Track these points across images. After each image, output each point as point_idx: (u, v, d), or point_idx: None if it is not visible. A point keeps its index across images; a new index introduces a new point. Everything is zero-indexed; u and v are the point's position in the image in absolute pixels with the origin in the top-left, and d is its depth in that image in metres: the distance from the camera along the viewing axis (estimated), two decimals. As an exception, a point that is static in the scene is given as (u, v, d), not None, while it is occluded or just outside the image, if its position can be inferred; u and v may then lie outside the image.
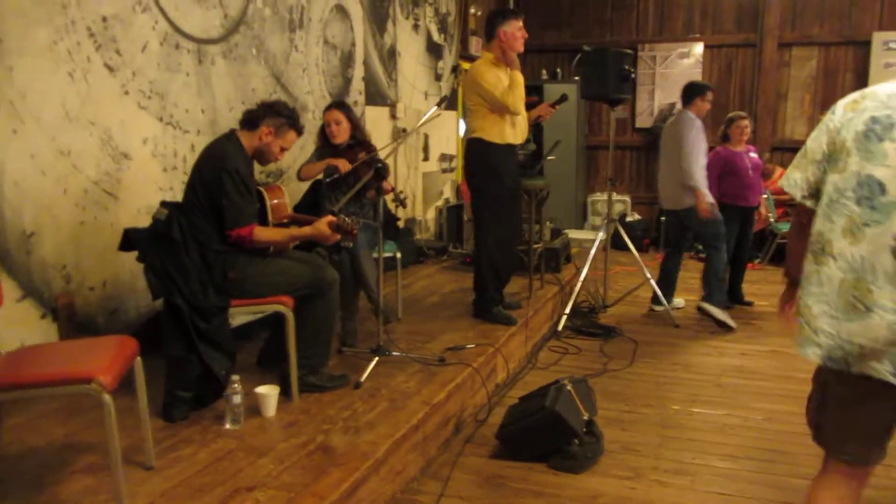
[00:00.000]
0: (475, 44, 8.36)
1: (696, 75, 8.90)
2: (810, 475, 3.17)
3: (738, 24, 8.91)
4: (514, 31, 4.41)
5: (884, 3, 8.42)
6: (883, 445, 1.96)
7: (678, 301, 5.98)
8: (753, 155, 5.87)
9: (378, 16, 6.41)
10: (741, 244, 5.90)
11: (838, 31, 8.57)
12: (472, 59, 7.66)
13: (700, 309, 5.55)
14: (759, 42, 8.75)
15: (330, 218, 3.25)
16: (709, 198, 5.29)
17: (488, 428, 3.61)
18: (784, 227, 7.39)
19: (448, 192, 8.11)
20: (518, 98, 4.39)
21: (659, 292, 5.70)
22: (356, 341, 4.09)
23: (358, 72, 6.10)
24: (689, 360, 4.80)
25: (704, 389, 4.30)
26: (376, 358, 3.73)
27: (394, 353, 3.88)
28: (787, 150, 8.52)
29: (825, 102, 8.61)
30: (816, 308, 1.91)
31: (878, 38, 8.35)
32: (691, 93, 5.53)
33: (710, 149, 5.56)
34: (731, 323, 5.42)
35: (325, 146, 4.33)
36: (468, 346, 4.11)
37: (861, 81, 8.50)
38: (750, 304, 6.08)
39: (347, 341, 4.08)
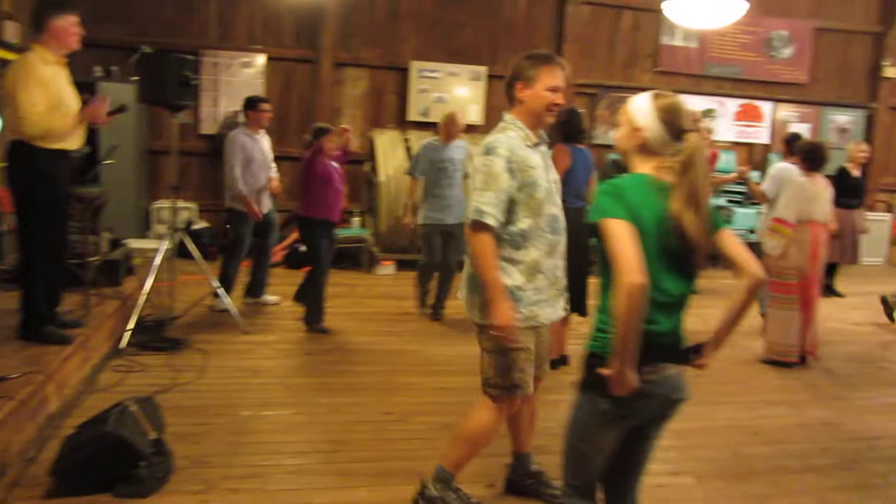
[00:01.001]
0: (12, 30, 7.35)
1: (260, 86, 9.13)
2: (371, 458, 3.54)
3: (297, 40, 9.38)
4: (68, 27, 4.00)
5: (419, 37, 9.68)
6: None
7: (271, 298, 6.46)
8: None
9: None
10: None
11: (383, 56, 9.60)
12: (8, 46, 6.72)
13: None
14: (317, 59, 9.33)
15: None
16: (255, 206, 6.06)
17: (41, 465, 3.23)
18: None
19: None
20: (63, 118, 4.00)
21: (225, 296, 5.76)
22: None
23: None
24: (258, 365, 4.92)
25: (274, 392, 4.47)
26: None
27: None
28: (345, 162, 9.21)
29: (374, 119, 9.58)
30: None
31: (415, 66, 9.58)
32: (245, 106, 6.21)
33: (297, 158, 5.91)
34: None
35: None
36: (11, 375, 3.61)
37: (402, 102, 9.66)
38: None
39: None
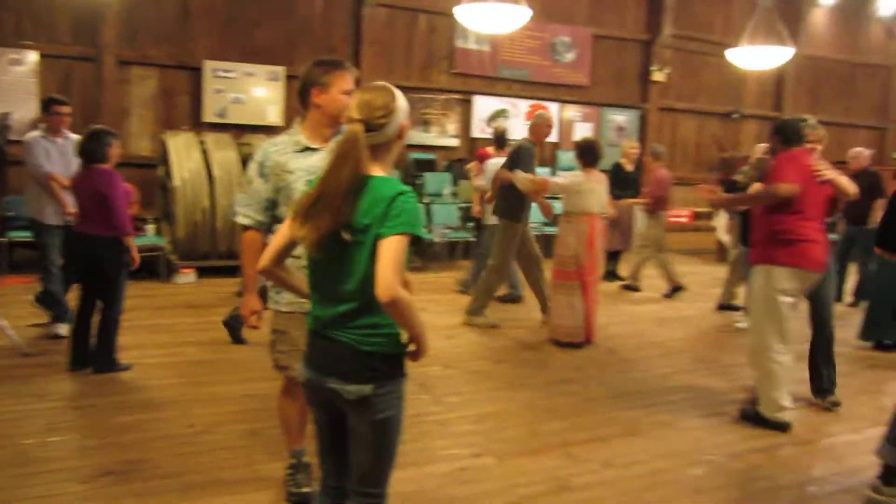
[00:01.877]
0: None
1: (32, 85, 8.38)
2: (173, 474, 3.39)
3: (74, 36, 8.72)
4: None
5: (211, 35, 9.34)
6: None
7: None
8: None
9: None
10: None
11: (174, 55, 9.17)
12: None
13: None
14: (98, 57, 8.72)
15: None
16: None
17: None
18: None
19: None
20: None
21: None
22: None
23: None
24: (43, 389, 4.53)
25: (63, 415, 4.14)
26: None
27: None
28: (134, 166, 8.70)
29: (167, 120, 9.13)
30: None
31: (209, 65, 9.23)
32: (42, 108, 5.91)
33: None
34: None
35: None
36: None
37: (196, 102, 9.28)
38: None
39: None
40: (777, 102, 13.94)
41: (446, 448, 3.88)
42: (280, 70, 9.60)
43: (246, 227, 2.96)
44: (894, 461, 3.37)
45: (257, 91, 9.53)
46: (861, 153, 8.04)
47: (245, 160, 8.24)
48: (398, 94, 2.18)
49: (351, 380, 2.12)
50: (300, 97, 2.95)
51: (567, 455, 3.84)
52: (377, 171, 2.14)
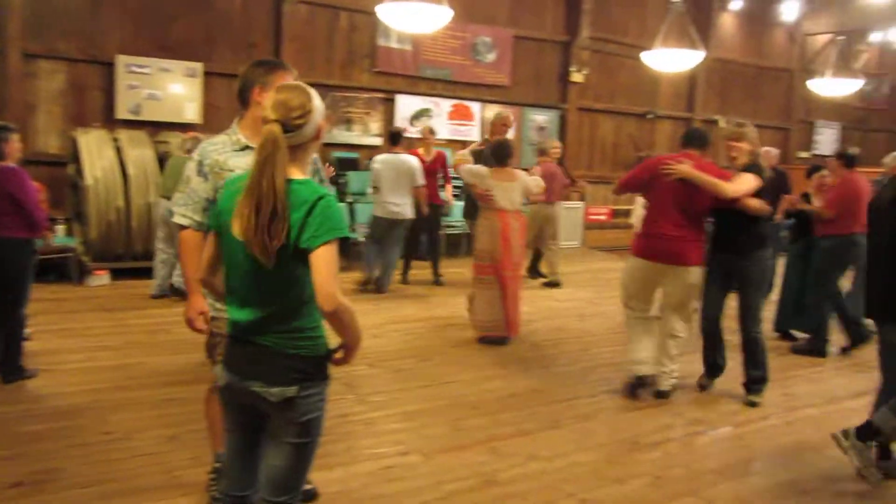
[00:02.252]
0: None
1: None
2: (88, 483, 3.28)
3: (-26, 28, 8.27)
4: None
5: (124, 29, 9.02)
6: None
7: None
8: None
9: None
10: None
11: (84, 48, 8.81)
12: None
13: None
14: (2, 49, 8.30)
15: None
16: None
17: None
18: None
19: None
20: None
21: None
22: None
23: None
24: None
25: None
26: None
27: None
28: (42, 164, 8.33)
29: (77, 117, 8.77)
30: None
31: (122, 60, 8.91)
32: None
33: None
34: None
35: None
36: None
37: (108, 98, 8.95)
38: None
39: None
40: (689, 104, 14.45)
41: (372, 447, 3.88)
42: (198, 66, 9.34)
43: (184, 227, 2.90)
44: (883, 424, 3.53)
45: (174, 88, 9.25)
46: (769, 152, 8.43)
47: (162, 158, 8.01)
48: (313, 93, 2.16)
49: (275, 382, 2.10)
50: (240, 96, 2.96)
51: (492, 450, 3.90)
52: (296, 173, 2.11)
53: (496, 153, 6.14)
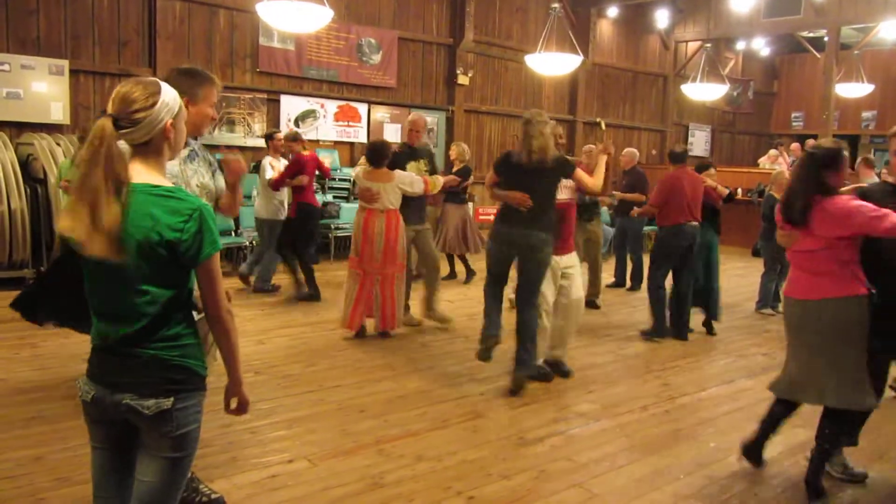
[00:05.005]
0: None
1: None
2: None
3: None
4: None
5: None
6: None
7: None
8: None
9: None
10: None
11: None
12: None
13: None
14: None
15: None
16: None
17: None
18: None
19: None
20: None
21: None
22: None
23: None
24: None
25: None
26: None
27: None
28: None
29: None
30: None
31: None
32: None
33: None
34: None
35: None
36: None
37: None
38: None
39: None
40: (572, 106, 14.91)
41: (257, 456, 3.76)
42: (64, 64, 8.81)
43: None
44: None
45: (38, 86, 8.67)
46: (630, 153, 9.01)
47: (25, 161, 7.51)
48: (167, 89, 2.02)
49: (149, 394, 1.99)
50: None
51: (380, 452, 3.87)
52: (143, 175, 1.98)
53: (370, 154, 6.22)
